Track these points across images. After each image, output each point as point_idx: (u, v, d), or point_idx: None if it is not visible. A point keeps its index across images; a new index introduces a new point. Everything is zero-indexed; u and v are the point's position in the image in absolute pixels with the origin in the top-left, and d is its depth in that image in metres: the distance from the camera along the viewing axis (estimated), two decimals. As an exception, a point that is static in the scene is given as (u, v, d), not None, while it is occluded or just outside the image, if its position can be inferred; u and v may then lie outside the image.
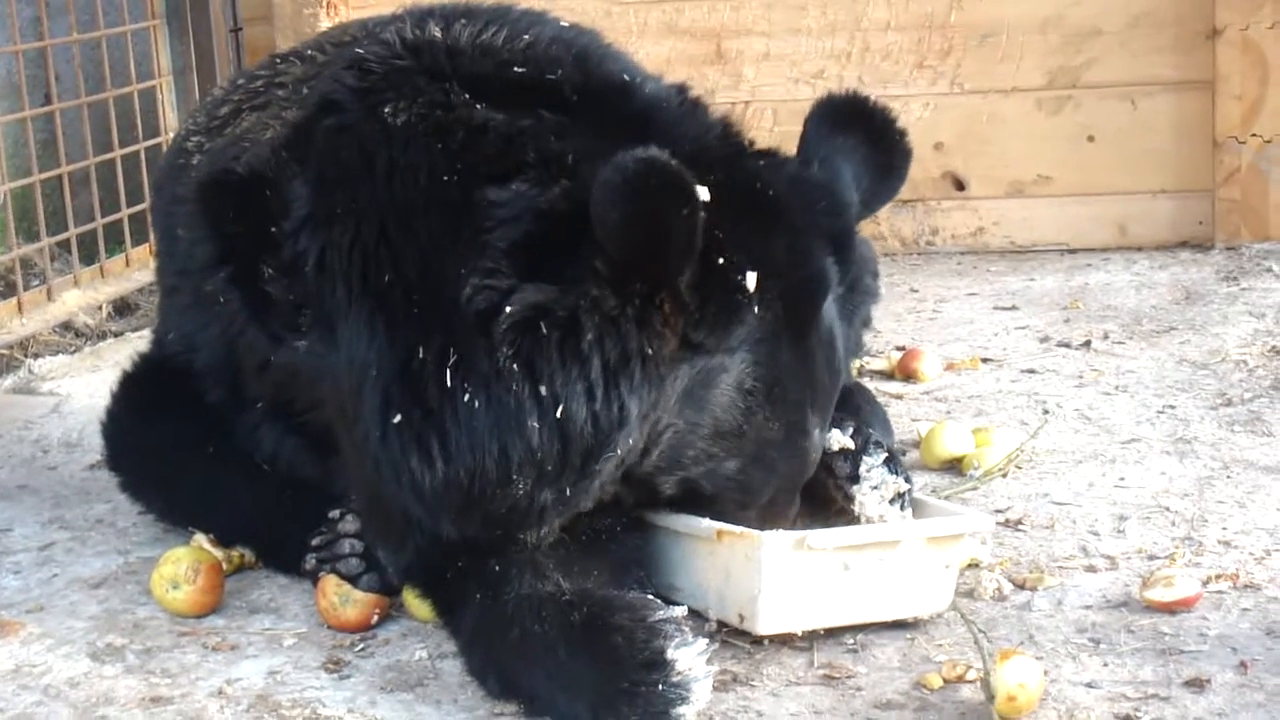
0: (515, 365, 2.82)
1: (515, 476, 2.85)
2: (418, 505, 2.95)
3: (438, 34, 3.25)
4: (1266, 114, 5.78)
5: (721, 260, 2.86)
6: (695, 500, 3.04)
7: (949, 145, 6.07)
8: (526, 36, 3.25)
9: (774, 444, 3.00)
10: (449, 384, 2.85)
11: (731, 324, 2.89)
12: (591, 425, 2.82)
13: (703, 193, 2.75)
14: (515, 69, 3.17)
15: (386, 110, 3.10)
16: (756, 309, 2.90)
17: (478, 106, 3.07)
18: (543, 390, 2.81)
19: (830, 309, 3.06)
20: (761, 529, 2.98)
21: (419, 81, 3.14)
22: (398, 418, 2.91)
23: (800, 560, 2.94)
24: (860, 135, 3.16)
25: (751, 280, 2.88)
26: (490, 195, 2.94)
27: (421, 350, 2.89)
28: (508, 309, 2.83)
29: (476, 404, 2.83)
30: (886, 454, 3.18)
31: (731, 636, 3.05)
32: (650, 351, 2.83)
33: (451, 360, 2.86)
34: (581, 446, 2.84)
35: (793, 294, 2.95)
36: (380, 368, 2.94)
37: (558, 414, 2.81)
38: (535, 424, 2.81)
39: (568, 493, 2.89)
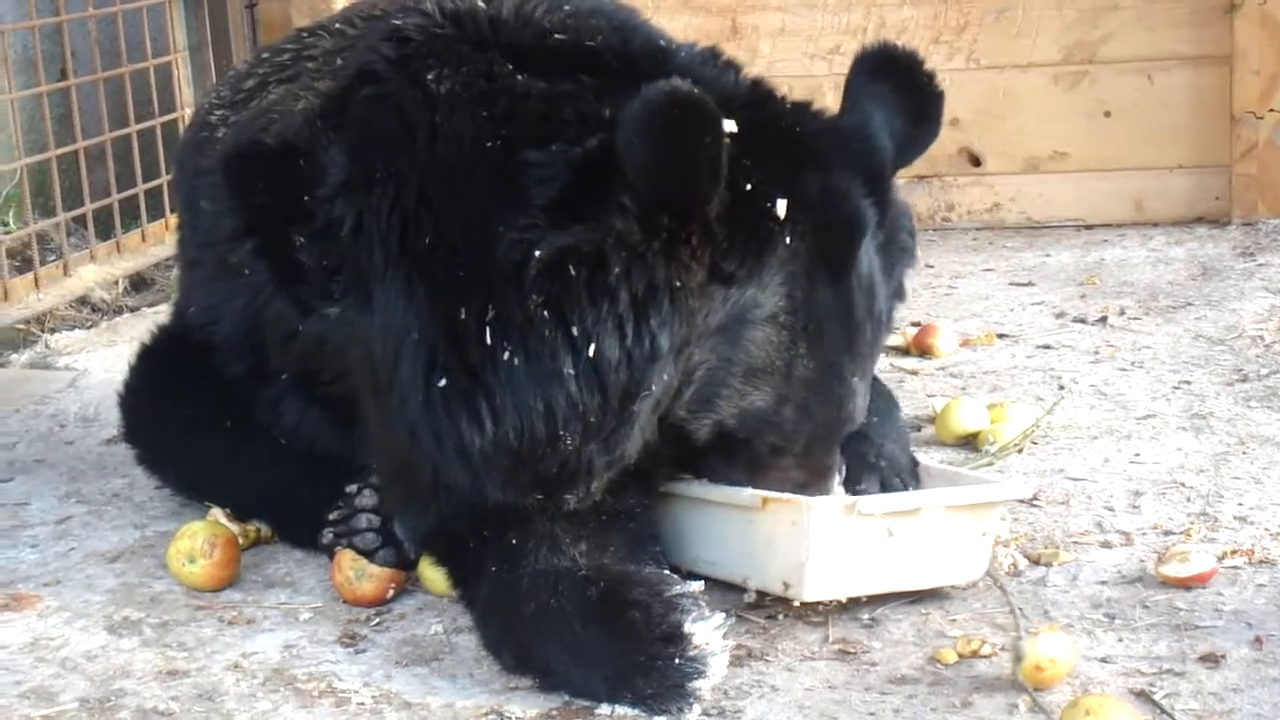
0: (546, 311, 2.83)
1: (562, 432, 2.85)
2: (463, 470, 2.94)
3: (480, 3, 3.26)
4: (1284, 89, 5.77)
5: (750, 187, 2.87)
6: (728, 446, 3.01)
7: (965, 121, 6.06)
8: (566, 8, 3.26)
9: (808, 384, 2.97)
10: (488, 342, 2.86)
11: (763, 252, 2.89)
12: (625, 363, 2.82)
13: (729, 125, 2.76)
14: (556, 37, 3.18)
15: (430, 77, 3.11)
16: (788, 239, 2.90)
17: (519, 76, 3.09)
18: (574, 331, 2.82)
19: (870, 254, 3.04)
20: (804, 488, 2.99)
21: (462, 50, 3.15)
22: (443, 381, 2.91)
23: (847, 526, 2.94)
24: (891, 82, 3.15)
25: (781, 207, 2.88)
26: (531, 157, 2.95)
27: (463, 311, 2.90)
28: (536, 254, 2.84)
29: (516, 360, 2.84)
30: (879, 486, 3.17)
31: (746, 611, 3.06)
32: (678, 284, 2.84)
33: (489, 316, 2.87)
34: (618, 387, 2.84)
35: (828, 230, 2.95)
36: (422, 331, 2.95)
37: (590, 353, 2.81)
38: (571, 370, 2.82)
39: (611, 442, 2.88)
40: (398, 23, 3.28)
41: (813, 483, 3.03)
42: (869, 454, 3.19)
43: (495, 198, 2.94)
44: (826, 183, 2.96)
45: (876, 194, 3.04)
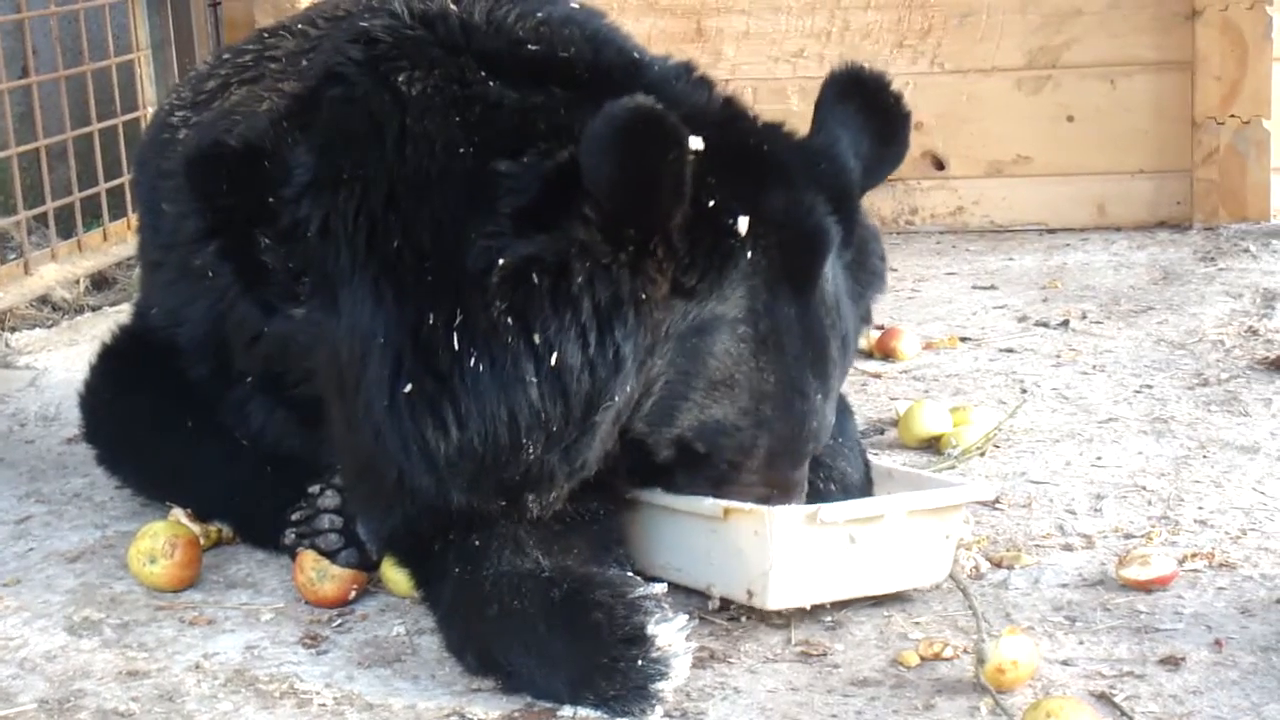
0: (509, 318, 2.82)
1: (525, 440, 2.85)
2: (428, 475, 2.93)
3: (451, 6, 3.25)
4: (1245, 95, 5.81)
5: (712, 204, 2.86)
6: (691, 461, 3.00)
7: (929, 125, 6.08)
8: (539, 15, 3.26)
9: (768, 397, 2.95)
10: (456, 347, 2.86)
11: (724, 268, 2.89)
12: (588, 372, 2.82)
13: (695, 142, 2.75)
14: (529, 46, 3.18)
15: (400, 79, 3.11)
16: (750, 254, 2.90)
17: (491, 83, 3.08)
18: (536, 339, 2.81)
19: (837, 274, 3.05)
20: (769, 500, 2.98)
21: (434, 53, 3.15)
22: (408, 386, 2.90)
23: (810, 535, 2.94)
24: (857, 103, 3.15)
25: (743, 224, 2.87)
26: (503, 167, 2.94)
27: (432, 316, 2.89)
28: (500, 261, 2.84)
29: (481, 367, 2.84)
30: None
31: (709, 614, 3.06)
32: (644, 295, 2.83)
33: (457, 322, 2.86)
34: (581, 397, 2.83)
35: (792, 246, 2.94)
36: (389, 335, 2.94)
37: (552, 361, 2.80)
38: (533, 378, 2.81)
39: (572, 452, 2.88)
40: (365, 24, 3.26)
41: (778, 500, 3.02)
42: (816, 479, 3.18)
43: (466, 205, 2.94)
44: (790, 199, 2.95)
45: (841, 212, 3.03)
